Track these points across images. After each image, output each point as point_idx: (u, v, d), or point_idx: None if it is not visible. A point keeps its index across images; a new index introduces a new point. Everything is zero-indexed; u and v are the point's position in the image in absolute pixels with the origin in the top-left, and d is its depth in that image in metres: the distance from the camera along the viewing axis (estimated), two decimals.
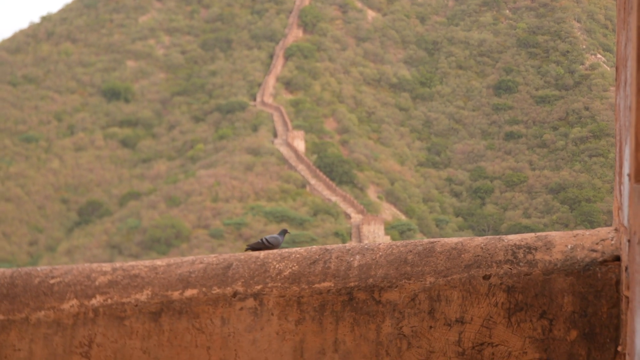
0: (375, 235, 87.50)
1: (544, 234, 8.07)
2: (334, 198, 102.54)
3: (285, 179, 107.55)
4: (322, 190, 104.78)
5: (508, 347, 7.76)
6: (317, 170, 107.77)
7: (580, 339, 7.53)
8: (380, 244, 8.56)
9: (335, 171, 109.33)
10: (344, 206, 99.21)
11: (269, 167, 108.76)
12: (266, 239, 9.47)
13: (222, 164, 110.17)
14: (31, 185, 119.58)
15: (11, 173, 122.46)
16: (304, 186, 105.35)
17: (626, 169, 5.85)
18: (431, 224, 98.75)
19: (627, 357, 6.06)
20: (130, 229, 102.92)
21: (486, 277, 7.84)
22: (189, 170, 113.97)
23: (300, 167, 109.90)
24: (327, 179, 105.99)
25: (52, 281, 9.62)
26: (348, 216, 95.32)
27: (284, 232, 9.94)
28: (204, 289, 8.77)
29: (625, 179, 6.06)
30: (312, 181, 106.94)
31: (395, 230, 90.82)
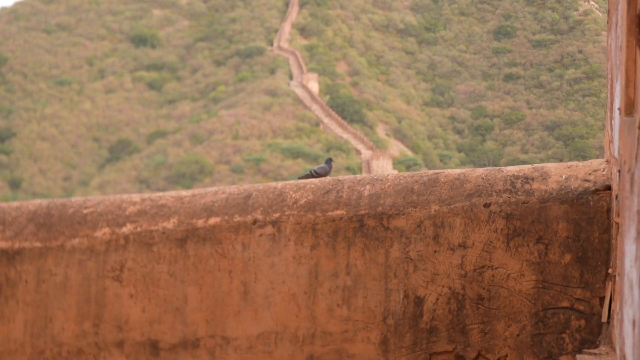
0: (384, 169, 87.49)
1: (540, 165, 8.06)
2: (345, 135, 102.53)
3: (300, 118, 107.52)
4: (335, 128, 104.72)
5: (507, 269, 7.77)
6: (330, 110, 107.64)
7: (574, 262, 7.54)
8: (388, 175, 8.56)
9: (347, 110, 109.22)
10: (355, 143, 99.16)
11: (285, 107, 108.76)
12: (314, 170, 9.52)
13: (242, 104, 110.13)
14: (65, 125, 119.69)
15: (46, 114, 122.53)
16: (317, 124, 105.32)
17: (617, 104, 5.83)
18: (435, 159, 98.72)
19: (617, 278, 6.07)
20: (157, 165, 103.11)
21: (486, 205, 7.84)
22: (211, 111, 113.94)
23: (314, 107, 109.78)
24: (339, 118, 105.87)
25: (85, 211, 9.64)
26: (358, 152, 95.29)
27: (329, 161, 9.96)
28: (226, 217, 8.79)
29: (616, 113, 6.04)
30: (325, 120, 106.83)
31: (402, 164, 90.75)
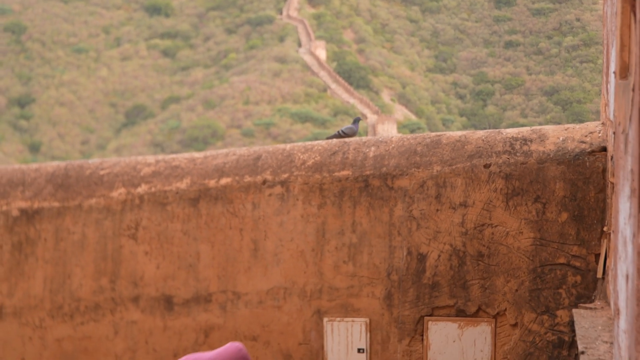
0: (389, 133, 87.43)
1: (538, 127, 8.05)
2: (351, 100, 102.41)
3: (309, 84, 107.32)
4: (341, 93, 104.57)
5: (506, 227, 7.78)
6: (337, 76, 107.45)
7: (570, 220, 7.54)
8: (392, 137, 8.55)
9: (353, 77, 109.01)
10: (361, 107, 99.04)
11: (294, 74, 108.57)
12: (342, 130, 9.50)
13: (252, 71, 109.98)
14: (82, 92, 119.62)
15: (64, 81, 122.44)
16: (325, 90, 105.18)
17: (612, 68, 5.82)
18: (438, 123, 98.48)
19: (611, 235, 6.06)
20: (171, 129, 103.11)
21: (487, 166, 7.84)
22: (223, 77, 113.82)
23: (322, 73, 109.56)
24: (346, 84, 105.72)
25: (102, 172, 9.66)
26: (364, 116, 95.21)
27: (357, 120, 9.96)
28: (236, 178, 8.80)
29: (612, 77, 6.02)
30: (333, 86, 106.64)
31: (406, 128, 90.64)
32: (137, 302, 9.09)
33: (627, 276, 3.15)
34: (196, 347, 8.83)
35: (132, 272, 9.14)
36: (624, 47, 4.04)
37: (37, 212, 9.69)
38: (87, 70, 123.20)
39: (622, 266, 3.54)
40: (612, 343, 5.05)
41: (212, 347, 8.77)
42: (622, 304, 3.44)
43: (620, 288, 3.63)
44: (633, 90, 2.95)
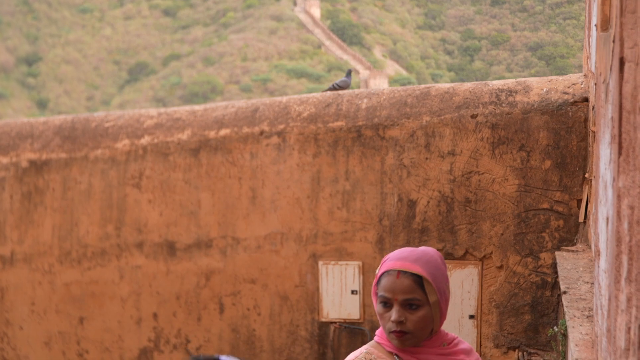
0: (380, 88, 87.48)
1: (523, 79, 8.02)
2: (345, 57, 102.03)
3: (304, 41, 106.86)
4: (335, 50, 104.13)
5: (492, 174, 7.78)
6: (331, 33, 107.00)
7: (554, 167, 7.54)
8: (384, 89, 8.52)
9: (346, 34, 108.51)
10: (354, 63, 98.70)
11: (289, 31, 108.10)
12: (336, 84, 9.47)
13: (250, 29, 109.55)
14: (87, 50, 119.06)
15: (70, 40, 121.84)
16: (319, 47, 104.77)
17: (594, 21, 5.78)
18: (428, 77, 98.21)
19: (593, 181, 6.07)
20: (173, 85, 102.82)
21: (474, 116, 7.82)
22: (222, 35, 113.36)
23: (317, 30, 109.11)
24: (339, 41, 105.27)
25: (106, 125, 9.63)
26: (357, 72, 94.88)
27: (349, 72, 9.94)
28: (235, 129, 8.77)
29: (593, 30, 5.99)
30: (327, 43, 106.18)
31: (397, 83, 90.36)
32: (141, 248, 9.10)
33: (607, 219, 3.15)
34: (197, 290, 8.86)
35: (137, 219, 9.14)
36: (605, 1, 4.01)
37: (46, 163, 9.67)
38: (91, 29, 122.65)
39: (602, 210, 3.54)
40: (592, 283, 5.07)
41: (212, 291, 8.80)
42: (602, 245, 3.44)
43: (600, 230, 3.63)
44: (613, 41, 2.94)
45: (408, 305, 2.99)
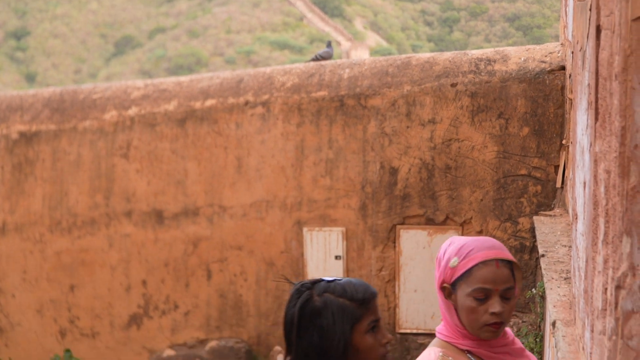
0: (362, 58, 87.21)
1: (501, 48, 8.02)
2: (326, 29, 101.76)
3: (286, 13, 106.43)
4: (317, 22, 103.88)
5: (472, 142, 7.78)
6: (312, 6, 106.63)
7: (531, 134, 7.55)
8: (365, 59, 8.51)
9: (328, 6, 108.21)
10: (335, 35, 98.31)
11: (272, 4, 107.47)
12: (319, 54, 9.48)
13: (234, 2, 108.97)
14: (74, 24, 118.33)
15: (57, 14, 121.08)
16: (301, 19, 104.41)
17: None
18: (408, 48, 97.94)
19: (570, 147, 6.07)
20: (158, 58, 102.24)
21: (453, 85, 7.81)
22: (206, 8, 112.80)
23: (298, 3, 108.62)
24: (321, 13, 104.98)
25: (94, 96, 9.58)
26: (338, 44, 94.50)
27: (329, 44, 9.99)
28: (221, 99, 8.75)
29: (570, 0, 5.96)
30: (308, 15, 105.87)
31: (378, 54, 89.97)
32: (129, 217, 9.08)
33: (584, 183, 3.15)
34: (185, 258, 8.85)
35: (125, 188, 9.12)
36: None
37: (35, 134, 9.63)
38: (78, 3, 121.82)
39: (579, 174, 3.54)
40: (570, 246, 5.09)
41: (200, 258, 8.80)
42: (579, 209, 3.44)
43: (578, 195, 3.64)
44: (590, 9, 2.93)
45: (504, 296, 2.73)
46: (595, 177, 2.64)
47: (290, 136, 8.39)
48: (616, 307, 2.26)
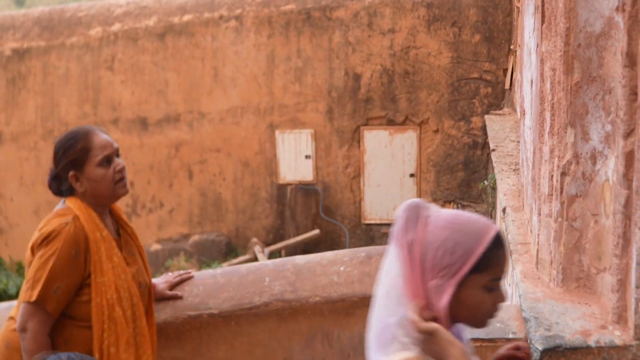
0: None
1: None
2: None
3: None
4: None
5: (428, 49, 7.74)
6: None
7: (482, 41, 7.52)
8: None
9: None
10: None
11: None
12: None
13: None
14: None
15: None
16: None
17: None
18: None
19: (517, 51, 6.04)
20: None
21: None
22: None
23: None
24: None
25: (80, 14, 9.41)
26: None
27: None
28: (197, 14, 8.60)
29: None
30: None
31: None
32: (116, 124, 9.01)
33: (531, 81, 3.14)
34: (168, 160, 8.82)
35: (111, 99, 9.03)
36: None
37: (27, 51, 9.49)
38: None
39: (527, 74, 3.52)
40: (518, 141, 5.09)
41: (182, 160, 8.77)
42: (527, 105, 3.43)
43: (525, 92, 3.62)
44: None
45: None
46: (541, 75, 2.62)
47: (261, 47, 8.31)
48: (561, 192, 2.26)
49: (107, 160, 2.56)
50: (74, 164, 2.52)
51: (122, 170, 2.60)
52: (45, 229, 2.45)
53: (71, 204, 2.51)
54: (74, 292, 2.46)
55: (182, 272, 2.90)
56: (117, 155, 2.61)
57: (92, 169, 2.53)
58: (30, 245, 2.48)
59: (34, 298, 2.39)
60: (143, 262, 2.66)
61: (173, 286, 2.83)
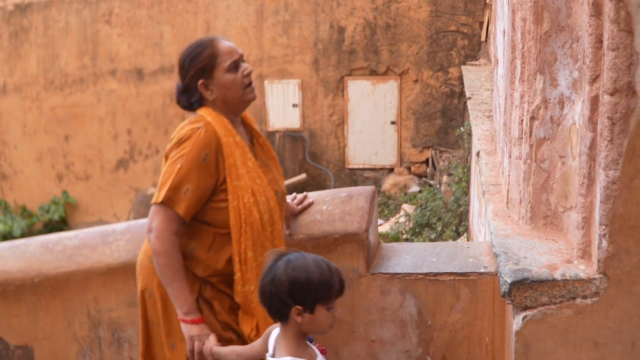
0: None
1: None
2: None
3: None
4: None
5: (408, 3, 7.67)
6: None
7: None
8: None
9: None
10: None
11: None
12: None
13: None
14: None
15: None
16: None
17: None
18: None
19: (492, 4, 6.00)
20: None
21: None
22: None
23: None
24: None
25: None
26: None
27: None
28: None
29: None
30: None
31: None
32: (114, 75, 8.95)
33: (503, 32, 3.12)
34: (164, 109, 8.78)
35: (109, 51, 8.95)
36: None
37: (28, 5, 9.38)
38: None
39: (500, 25, 3.51)
40: (492, 90, 5.08)
41: (176, 108, 8.72)
42: (500, 54, 3.42)
43: (498, 42, 3.61)
44: None
45: None
46: (513, 24, 2.60)
47: (251, 1, 8.24)
48: (530, 135, 2.26)
49: (235, 66, 2.45)
50: (202, 71, 2.41)
51: (249, 75, 2.49)
52: (177, 135, 2.38)
53: (203, 113, 2.43)
54: (206, 195, 2.37)
55: (300, 195, 2.81)
56: (243, 61, 2.50)
57: (221, 74, 2.43)
58: (165, 154, 2.41)
59: (160, 199, 2.31)
60: (277, 173, 2.57)
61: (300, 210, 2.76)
